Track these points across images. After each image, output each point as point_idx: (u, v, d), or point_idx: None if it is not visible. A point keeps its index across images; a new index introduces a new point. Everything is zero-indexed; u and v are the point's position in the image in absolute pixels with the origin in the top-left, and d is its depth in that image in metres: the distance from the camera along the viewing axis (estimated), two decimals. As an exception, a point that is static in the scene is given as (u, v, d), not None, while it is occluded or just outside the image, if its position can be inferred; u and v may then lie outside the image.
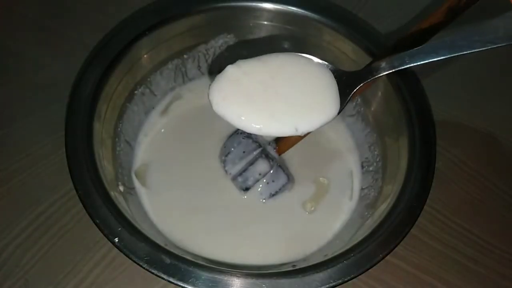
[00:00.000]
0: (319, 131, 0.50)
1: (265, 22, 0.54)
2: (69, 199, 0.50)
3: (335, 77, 0.37)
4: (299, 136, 0.49)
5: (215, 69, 0.59)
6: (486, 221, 0.51)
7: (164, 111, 0.56)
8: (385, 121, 0.50)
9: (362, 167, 0.53)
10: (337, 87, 0.37)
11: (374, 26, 0.64)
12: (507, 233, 0.51)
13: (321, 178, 0.52)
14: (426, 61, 0.34)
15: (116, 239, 0.38)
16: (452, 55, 0.33)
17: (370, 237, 0.39)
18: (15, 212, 0.49)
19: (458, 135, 0.58)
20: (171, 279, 0.36)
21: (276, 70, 0.36)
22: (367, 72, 0.37)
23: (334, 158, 0.54)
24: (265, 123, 0.35)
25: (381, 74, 0.36)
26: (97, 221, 0.38)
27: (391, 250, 0.38)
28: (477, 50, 0.32)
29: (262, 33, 0.56)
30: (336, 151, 0.55)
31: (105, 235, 0.38)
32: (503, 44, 0.32)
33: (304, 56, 0.38)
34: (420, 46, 0.34)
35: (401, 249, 0.48)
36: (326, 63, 0.38)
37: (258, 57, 0.37)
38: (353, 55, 0.52)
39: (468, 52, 0.33)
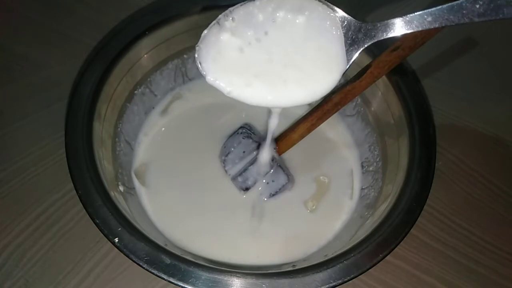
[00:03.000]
0: (319, 131, 0.50)
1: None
2: (69, 199, 0.50)
3: (343, 27, 0.32)
4: (299, 136, 0.49)
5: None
6: (486, 221, 0.51)
7: (164, 111, 0.56)
8: (385, 121, 0.50)
9: (362, 167, 0.53)
10: (343, 42, 0.32)
11: (374, 26, 0.64)
12: (507, 233, 0.51)
13: (321, 177, 0.52)
14: (453, 24, 0.29)
15: (116, 239, 0.37)
16: (486, 19, 0.28)
17: (370, 237, 0.39)
18: (15, 212, 0.49)
19: (458, 135, 0.58)
20: (171, 279, 0.36)
21: (273, 27, 0.32)
22: (381, 29, 0.31)
23: (334, 157, 0.54)
24: (262, 97, 0.33)
25: (397, 34, 0.31)
26: (97, 221, 0.38)
27: (391, 250, 0.38)
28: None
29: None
30: (336, 150, 0.55)
31: (105, 235, 0.38)
32: None
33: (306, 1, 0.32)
34: (447, 4, 0.29)
35: (401, 249, 0.49)
36: (333, 8, 0.32)
37: (251, 10, 0.33)
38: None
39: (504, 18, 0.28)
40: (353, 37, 0.32)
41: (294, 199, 0.51)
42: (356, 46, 0.32)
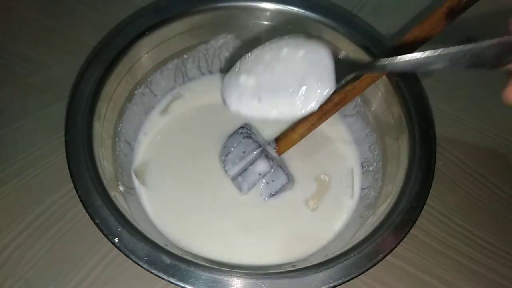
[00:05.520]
0: (319, 131, 0.50)
1: (265, 22, 0.54)
2: (69, 199, 0.50)
3: (334, 58, 0.37)
4: (299, 136, 0.49)
5: (215, 69, 0.59)
6: (486, 221, 0.51)
7: (164, 111, 0.56)
8: (385, 121, 0.50)
9: (362, 167, 0.53)
10: (333, 68, 0.37)
11: (374, 26, 0.64)
12: (507, 233, 0.51)
13: (322, 176, 0.52)
14: (430, 70, 0.34)
15: (116, 239, 0.37)
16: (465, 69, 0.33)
17: (370, 237, 0.39)
18: (15, 212, 0.49)
19: (458, 135, 0.58)
20: (171, 279, 0.36)
21: (278, 62, 0.39)
22: (367, 66, 0.38)
23: (334, 157, 0.54)
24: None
25: (379, 72, 0.37)
26: (97, 221, 0.38)
27: (391, 250, 0.38)
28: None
29: (262, 33, 0.56)
30: (336, 150, 0.55)
31: (105, 235, 0.38)
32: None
33: (303, 39, 0.39)
34: (431, 51, 0.33)
35: (401, 249, 0.48)
36: (325, 45, 0.38)
37: (261, 56, 0.39)
38: (353, 55, 0.52)
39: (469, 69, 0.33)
40: (341, 66, 0.37)
41: (294, 198, 0.51)
42: (342, 73, 0.37)
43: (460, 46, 0.33)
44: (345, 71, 0.38)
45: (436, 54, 0.32)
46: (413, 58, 0.33)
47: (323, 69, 0.37)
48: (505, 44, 0.32)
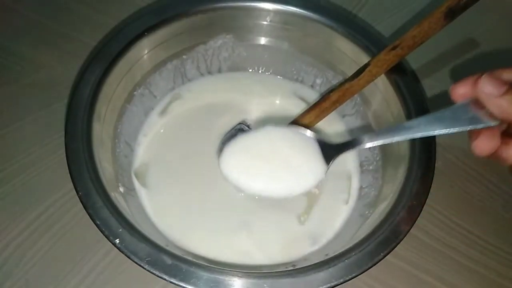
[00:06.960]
0: (318, 130, 0.50)
1: (265, 22, 0.54)
2: (69, 199, 0.50)
3: (320, 146, 0.44)
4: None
5: (214, 69, 0.59)
6: (486, 221, 0.52)
7: (164, 112, 0.56)
8: (384, 120, 0.50)
9: (362, 166, 0.53)
10: (322, 155, 0.43)
11: (374, 26, 0.64)
12: (507, 233, 0.51)
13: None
14: (404, 138, 0.39)
15: (117, 240, 0.37)
16: (429, 134, 0.38)
17: (370, 236, 0.39)
18: (15, 212, 0.49)
19: (458, 134, 0.57)
20: (172, 280, 0.36)
21: (273, 145, 0.44)
22: (348, 144, 0.43)
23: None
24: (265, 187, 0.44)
25: (363, 147, 0.41)
26: (98, 222, 0.38)
27: (392, 249, 0.38)
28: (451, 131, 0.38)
29: (262, 33, 0.56)
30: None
31: (106, 236, 0.38)
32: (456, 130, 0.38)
33: (295, 131, 0.45)
34: (405, 123, 0.39)
35: (401, 249, 0.49)
36: (313, 134, 0.44)
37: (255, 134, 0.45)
38: (353, 55, 0.52)
39: (444, 132, 0.38)
40: (327, 152, 0.43)
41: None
42: (330, 157, 0.43)
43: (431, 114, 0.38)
44: (332, 156, 0.43)
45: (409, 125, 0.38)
46: (389, 134, 0.39)
47: (313, 156, 0.43)
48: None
